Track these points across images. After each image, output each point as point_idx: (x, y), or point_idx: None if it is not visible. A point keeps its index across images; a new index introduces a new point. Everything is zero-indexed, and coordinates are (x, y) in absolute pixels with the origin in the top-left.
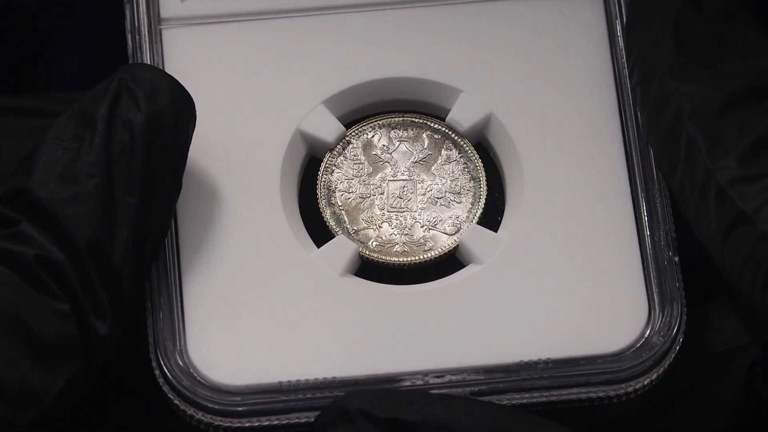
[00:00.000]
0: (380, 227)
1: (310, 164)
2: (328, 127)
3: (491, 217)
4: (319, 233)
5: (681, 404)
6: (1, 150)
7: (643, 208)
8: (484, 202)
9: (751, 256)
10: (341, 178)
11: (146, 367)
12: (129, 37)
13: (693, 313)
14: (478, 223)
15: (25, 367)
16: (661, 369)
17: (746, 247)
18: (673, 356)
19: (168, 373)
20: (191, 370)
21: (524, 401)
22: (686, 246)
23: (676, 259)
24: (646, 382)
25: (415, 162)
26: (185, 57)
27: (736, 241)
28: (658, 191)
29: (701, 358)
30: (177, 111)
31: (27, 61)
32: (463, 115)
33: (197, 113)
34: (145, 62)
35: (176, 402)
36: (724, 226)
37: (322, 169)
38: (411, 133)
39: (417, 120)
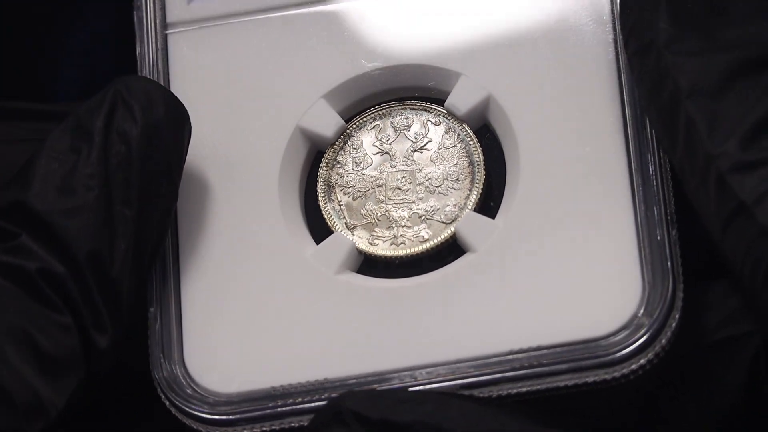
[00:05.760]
0: (379, 220)
1: (317, 159)
2: (327, 122)
3: (492, 202)
4: (324, 230)
5: (684, 391)
6: (5, 153)
7: (639, 183)
8: (482, 188)
9: (752, 251)
10: (341, 173)
11: (141, 373)
12: (137, 41)
13: (696, 294)
14: (477, 209)
15: (33, 379)
16: (658, 347)
17: (746, 239)
18: (669, 334)
19: (165, 384)
20: (188, 380)
21: (516, 390)
22: (690, 225)
23: (674, 233)
24: (642, 362)
25: (414, 150)
26: (190, 59)
27: (736, 231)
28: (658, 167)
29: (704, 344)
30: (172, 122)
31: (28, 65)
32: (461, 98)
33: (200, 114)
34: (151, 65)
35: (174, 413)
36: (724, 215)
37: (322, 165)
38: (410, 121)
39: (416, 106)
